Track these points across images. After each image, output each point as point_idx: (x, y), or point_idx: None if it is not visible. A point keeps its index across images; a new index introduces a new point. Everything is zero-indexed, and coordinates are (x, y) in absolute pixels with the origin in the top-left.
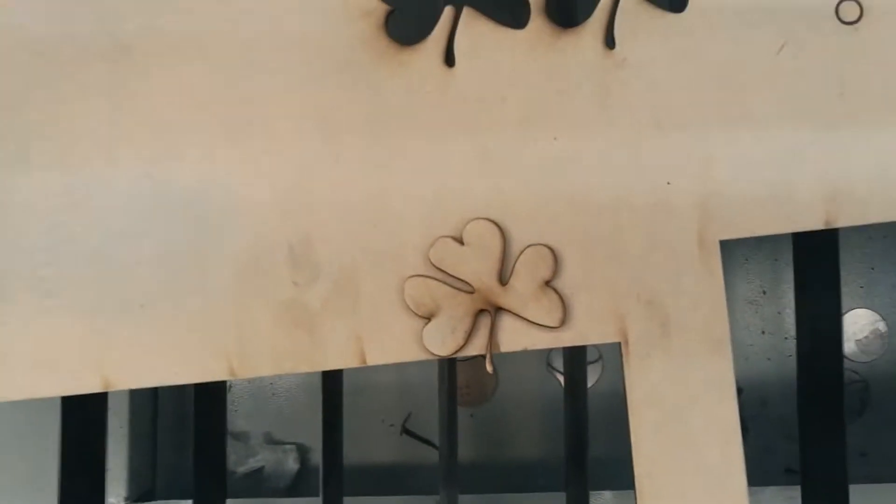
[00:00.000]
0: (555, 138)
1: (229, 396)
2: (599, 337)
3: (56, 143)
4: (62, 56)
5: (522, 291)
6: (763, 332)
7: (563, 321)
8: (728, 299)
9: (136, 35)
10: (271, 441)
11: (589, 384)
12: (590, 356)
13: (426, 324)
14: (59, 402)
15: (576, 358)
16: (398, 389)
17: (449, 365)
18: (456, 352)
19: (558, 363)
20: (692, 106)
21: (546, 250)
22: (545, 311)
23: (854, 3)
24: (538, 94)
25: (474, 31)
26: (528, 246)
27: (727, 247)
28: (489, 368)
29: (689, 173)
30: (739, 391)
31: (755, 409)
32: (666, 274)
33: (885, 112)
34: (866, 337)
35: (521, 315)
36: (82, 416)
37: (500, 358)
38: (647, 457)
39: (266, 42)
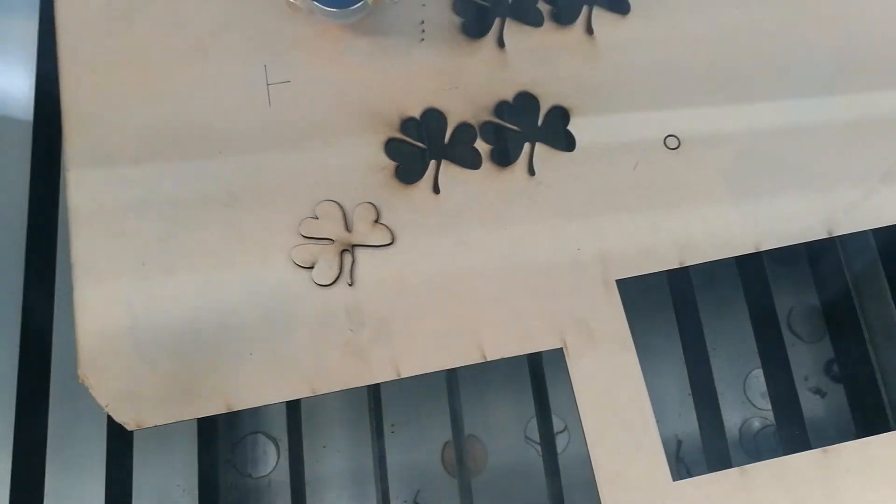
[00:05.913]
0: (505, 228)
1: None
2: (549, 344)
3: (191, 259)
4: (194, 205)
5: (362, 230)
6: (689, 394)
7: (392, 242)
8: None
9: (241, 188)
10: None
11: (560, 450)
12: (558, 427)
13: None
14: None
15: (546, 429)
16: (408, 471)
17: (458, 447)
18: (334, 281)
19: (533, 434)
20: (587, 204)
21: (370, 206)
22: (380, 236)
23: (674, 138)
24: (492, 204)
25: (450, 173)
26: (357, 204)
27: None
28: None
29: (591, 242)
30: (679, 442)
31: (696, 455)
32: (586, 302)
33: (701, 196)
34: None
35: (367, 244)
36: None
37: (487, 435)
38: (591, 424)
39: (323, 186)
